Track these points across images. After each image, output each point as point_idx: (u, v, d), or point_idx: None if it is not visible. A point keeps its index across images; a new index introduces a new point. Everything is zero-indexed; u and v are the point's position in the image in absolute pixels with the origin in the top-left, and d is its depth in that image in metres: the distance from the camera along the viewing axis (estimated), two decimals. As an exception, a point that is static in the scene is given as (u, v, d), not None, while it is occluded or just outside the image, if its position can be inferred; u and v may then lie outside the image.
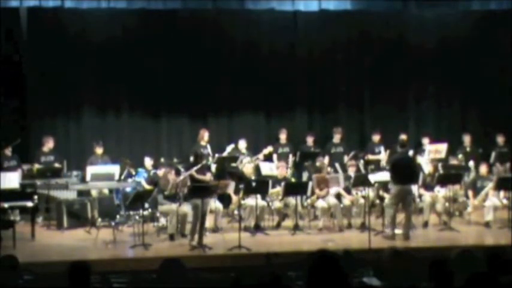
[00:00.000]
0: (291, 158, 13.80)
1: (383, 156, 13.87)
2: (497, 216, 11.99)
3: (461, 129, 15.02)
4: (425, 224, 12.00)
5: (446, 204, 12.14)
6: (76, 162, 13.92)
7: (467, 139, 14.31)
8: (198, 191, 10.59)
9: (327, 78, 15.40)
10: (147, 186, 12.04)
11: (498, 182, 12.02)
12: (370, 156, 14.00)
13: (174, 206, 11.16)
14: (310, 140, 14.23)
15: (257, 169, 13.17)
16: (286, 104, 15.28)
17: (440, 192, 12.25)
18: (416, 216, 12.21)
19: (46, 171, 12.62)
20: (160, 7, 13.87)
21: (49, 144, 13.26)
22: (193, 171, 10.72)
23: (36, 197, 11.51)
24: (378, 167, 13.38)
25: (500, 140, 14.21)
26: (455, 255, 5.00)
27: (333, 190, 12.08)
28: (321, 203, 11.95)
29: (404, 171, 11.12)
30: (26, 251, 10.09)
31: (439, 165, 12.90)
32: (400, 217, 11.21)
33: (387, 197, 11.84)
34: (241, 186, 11.51)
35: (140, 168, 13.22)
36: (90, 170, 12.51)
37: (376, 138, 14.29)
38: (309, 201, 12.25)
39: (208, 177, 11.08)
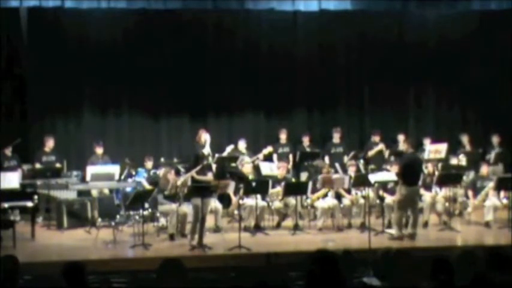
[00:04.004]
0: (290, 158, 13.81)
1: (382, 146, 13.89)
2: (497, 216, 12.00)
3: (461, 129, 15.01)
4: (425, 224, 12.00)
5: (446, 204, 12.14)
6: (76, 162, 13.91)
7: (465, 139, 14.30)
8: (198, 190, 10.59)
9: (327, 78, 15.40)
10: (148, 186, 12.03)
11: (498, 182, 12.03)
12: (370, 153, 13.99)
13: (174, 206, 11.16)
14: (306, 140, 14.21)
15: (257, 169, 13.17)
16: (286, 104, 15.27)
17: (440, 192, 12.25)
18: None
19: (46, 171, 12.61)
20: (160, 7, 13.89)
21: (49, 144, 13.26)
22: (193, 172, 10.72)
23: (36, 197, 11.50)
24: (381, 161, 13.36)
25: (495, 140, 14.20)
26: (457, 256, 5.00)
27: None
28: (321, 203, 11.95)
29: (414, 172, 11.14)
30: (26, 251, 10.09)
31: (439, 165, 12.90)
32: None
33: (388, 196, 11.86)
34: (241, 186, 11.50)
35: (140, 168, 13.23)
36: (90, 170, 12.49)
37: (376, 139, 14.26)
38: (308, 201, 12.24)
39: (209, 177, 11.08)
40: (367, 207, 11.46)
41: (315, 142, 14.38)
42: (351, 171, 12.44)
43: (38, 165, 13.04)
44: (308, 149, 14.05)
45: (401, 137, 13.74)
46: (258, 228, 11.70)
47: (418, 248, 10.37)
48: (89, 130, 14.61)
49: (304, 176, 13.76)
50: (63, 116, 14.67)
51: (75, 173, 13.49)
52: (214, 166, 12.84)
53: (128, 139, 14.77)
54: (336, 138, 14.26)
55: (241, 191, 11.42)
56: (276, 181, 12.17)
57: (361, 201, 11.90)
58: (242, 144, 13.74)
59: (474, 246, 10.18)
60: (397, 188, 11.19)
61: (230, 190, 11.68)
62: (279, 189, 11.94)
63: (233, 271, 7.63)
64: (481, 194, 12.21)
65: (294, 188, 12.03)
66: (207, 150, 13.09)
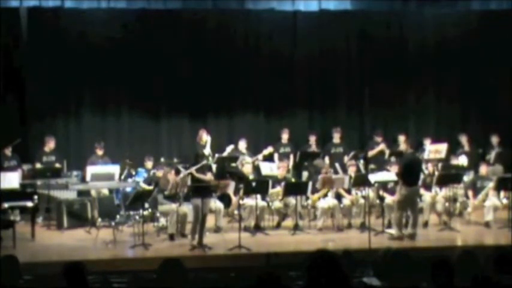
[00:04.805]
0: (291, 158, 13.80)
1: (383, 146, 13.88)
2: (497, 216, 11.99)
3: (461, 129, 15.02)
4: (425, 224, 12.00)
5: (446, 204, 12.14)
6: (76, 162, 13.92)
7: (464, 139, 14.30)
8: (198, 190, 10.59)
9: (327, 78, 15.40)
10: (146, 187, 12.02)
11: (498, 182, 12.03)
12: (371, 152, 13.96)
13: (174, 206, 11.16)
14: (312, 139, 14.19)
15: (257, 169, 13.16)
16: (286, 104, 15.27)
17: (440, 192, 12.26)
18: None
19: (46, 171, 12.61)
20: (160, 7, 13.91)
21: (50, 144, 13.27)
22: (193, 170, 10.72)
23: (36, 197, 11.50)
24: (382, 161, 13.37)
25: (495, 140, 14.20)
26: (457, 256, 5.00)
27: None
28: (321, 203, 11.94)
29: (414, 172, 11.15)
30: (26, 251, 10.09)
31: (439, 165, 12.91)
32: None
33: (388, 196, 11.85)
34: (241, 186, 11.49)
35: (140, 168, 13.23)
36: (90, 170, 12.50)
37: (378, 139, 14.23)
38: (310, 201, 12.22)
39: (208, 176, 11.09)
40: (367, 207, 11.45)
41: (317, 142, 14.34)
42: (351, 171, 12.43)
43: (38, 165, 13.04)
44: (315, 149, 14.02)
45: (401, 138, 13.71)
46: (258, 228, 11.69)
47: (418, 248, 10.37)
48: (89, 130, 14.62)
49: (304, 176, 13.77)
50: (63, 116, 14.68)
51: (75, 173, 13.50)
52: (214, 166, 12.87)
53: (128, 139, 14.78)
54: (336, 138, 14.25)
55: (241, 191, 11.41)
56: (276, 181, 12.17)
57: (361, 201, 11.89)
58: (242, 144, 13.74)
59: (474, 246, 10.19)
60: (397, 188, 11.19)
61: (230, 190, 11.69)
62: (279, 189, 11.93)
63: (233, 271, 7.64)
64: (481, 194, 12.21)
65: (294, 188, 12.02)
66: (207, 150, 13.12)
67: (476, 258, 5.04)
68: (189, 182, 10.84)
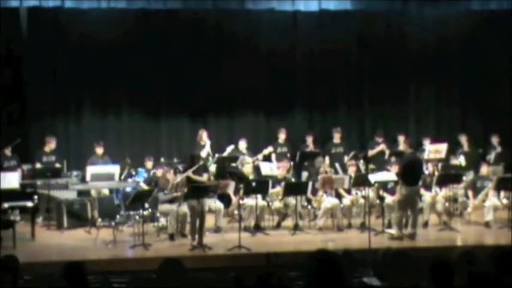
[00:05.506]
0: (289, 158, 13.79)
1: (383, 146, 13.87)
2: (497, 216, 11.99)
3: (461, 129, 15.02)
4: (425, 224, 12.00)
5: (446, 204, 12.15)
6: (76, 162, 13.92)
7: (463, 139, 14.30)
8: (195, 191, 10.59)
9: (327, 78, 15.40)
10: (145, 187, 12.03)
11: (498, 182, 12.03)
12: (371, 152, 13.94)
13: (174, 206, 11.17)
14: (309, 140, 14.19)
15: (257, 169, 13.16)
16: (286, 104, 15.28)
17: (440, 192, 12.26)
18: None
19: (46, 171, 12.61)
20: (160, 7, 13.90)
21: (51, 145, 13.26)
22: (189, 172, 10.73)
23: (36, 197, 11.51)
24: (382, 161, 13.36)
25: (495, 140, 14.21)
26: (457, 256, 4.99)
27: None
28: (323, 203, 11.93)
29: (415, 172, 11.15)
30: (26, 251, 10.09)
31: (439, 165, 12.91)
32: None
33: (388, 196, 11.85)
34: (241, 186, 11.49)
35: (140, 168, 13.23)
36: (90, 170, 12.50)
37: (378, 139, 14.23)
38: (315, 204, 12.18)
39: (204, 177, 11.09)
40: (367, 207, 11.45)
41: (314, 142, 14.34)
42: (351, 171, 12.43)
43: (38, 165, 13.04)
44: (312, 149, 14.00)
45: (401, 138, 13.72)
46: (258, 228, 11.70)
47: (418, 248, 10.38)
48: (89, 130, 14.62)
49: (304, 176, 13.76)
50: (63, 116, 14.68)
51: (75, 173, 13.50)
52: (214, 166, 12.86)
53: (128, 139, 14.78)
54: (336, 138, 14.24)
55: (241, 191, 11.42)
56: (276, 181, 12.17)
57: (361, 201, 11.89)
58: (242, 144, 13.74)
59: (474, 246, 10.19)
60: (397, 188, 11.20)
61: (230, 190, 11.69)
62: (279, 189, 11.93)
63: (233, 271, 7.63)
64: (481, 194, 12.21)
65: (294, 188, 12.03)
66: (206, 150, 13.12)
67: (476, 258, 5.04)
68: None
